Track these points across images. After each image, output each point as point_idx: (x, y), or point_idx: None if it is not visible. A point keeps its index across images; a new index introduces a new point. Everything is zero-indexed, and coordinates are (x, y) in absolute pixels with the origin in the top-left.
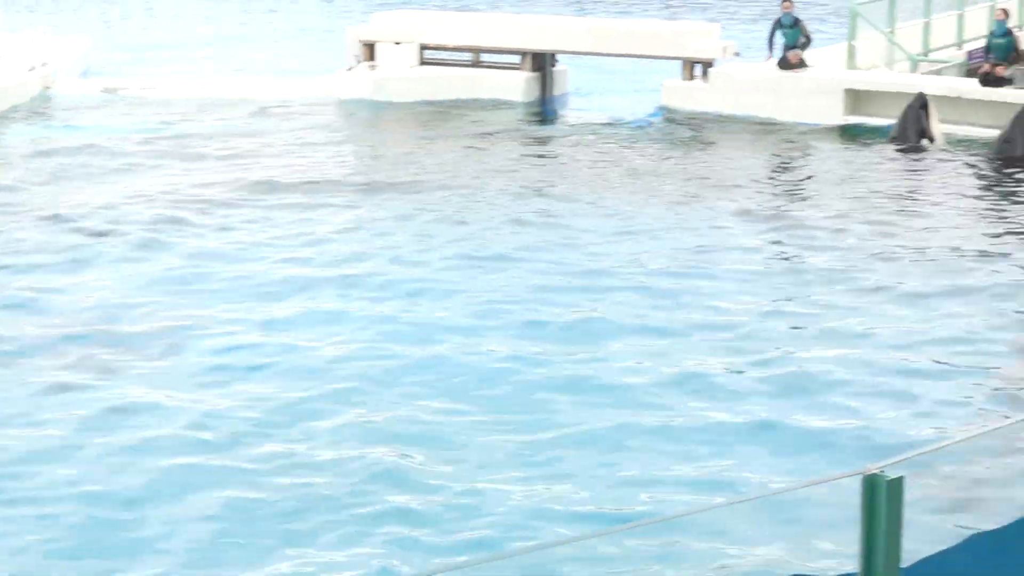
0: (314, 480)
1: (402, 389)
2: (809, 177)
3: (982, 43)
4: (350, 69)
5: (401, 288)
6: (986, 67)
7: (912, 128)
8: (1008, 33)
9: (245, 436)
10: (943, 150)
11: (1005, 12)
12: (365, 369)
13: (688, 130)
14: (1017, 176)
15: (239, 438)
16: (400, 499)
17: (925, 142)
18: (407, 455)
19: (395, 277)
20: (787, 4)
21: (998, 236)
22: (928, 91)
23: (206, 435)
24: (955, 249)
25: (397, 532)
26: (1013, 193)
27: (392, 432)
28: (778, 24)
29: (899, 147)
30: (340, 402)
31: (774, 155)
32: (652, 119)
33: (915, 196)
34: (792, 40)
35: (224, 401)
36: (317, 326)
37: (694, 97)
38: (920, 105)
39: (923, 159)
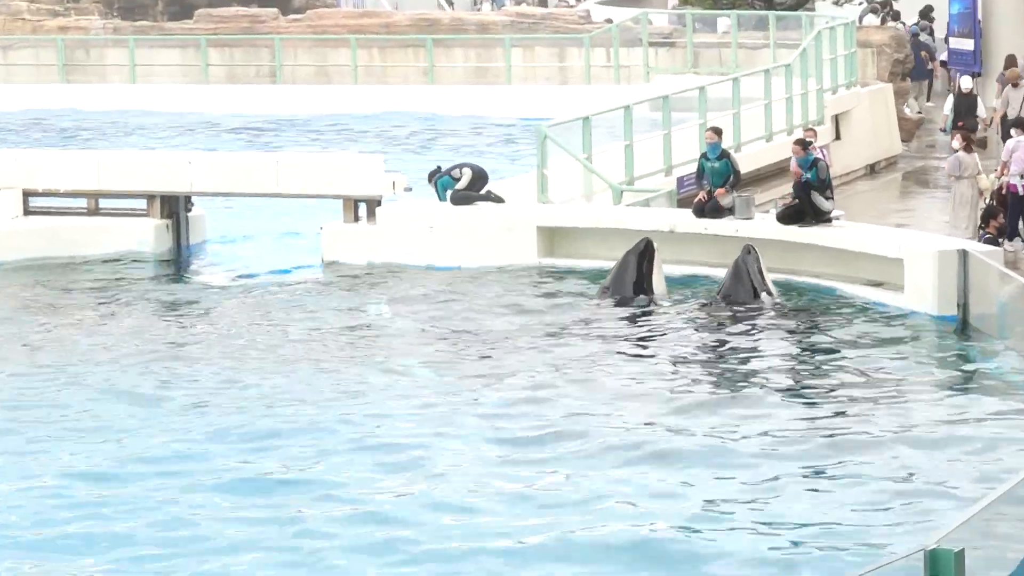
0: None
1: None
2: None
3: (693, 167)
4: None
5: None
6: (701, 195)
7: (630, 279)
8: (723, 155)
9: None
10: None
11: (717, 132)
12: None
13: (351, 285)
14: (741, 330)
15: None
16: None
17: (642, 298)
18: None
19: None
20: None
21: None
22: (635, 225)
23: None
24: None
25: None
26: (736, 349)
27: None
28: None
29: (611, 300)
30: None
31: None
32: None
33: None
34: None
35: None
36: None
37: (361, 243)
38: (641, 252)
39: (637, 311)
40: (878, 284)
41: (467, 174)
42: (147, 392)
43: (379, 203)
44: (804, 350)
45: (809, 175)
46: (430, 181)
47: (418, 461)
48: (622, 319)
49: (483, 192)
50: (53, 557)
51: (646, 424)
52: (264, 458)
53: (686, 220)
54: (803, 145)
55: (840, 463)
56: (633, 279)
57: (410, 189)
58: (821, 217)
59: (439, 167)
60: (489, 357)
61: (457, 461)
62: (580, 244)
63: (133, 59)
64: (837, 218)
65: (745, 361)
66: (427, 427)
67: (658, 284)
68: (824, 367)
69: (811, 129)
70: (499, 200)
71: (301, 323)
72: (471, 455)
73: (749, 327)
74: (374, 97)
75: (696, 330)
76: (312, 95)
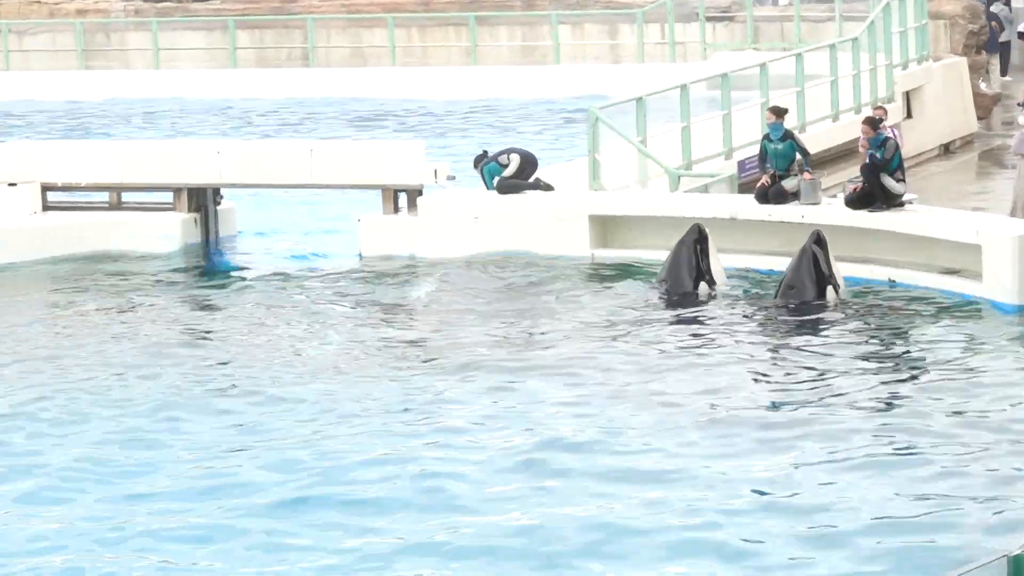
0: None
1: None
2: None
3: (755, 150)
4: None
5: None
6: (764, 180)
7: (686, 270)
8: (787, 136)
9: None
10: (722, 295)
11: (777, 112)
12: None
13: (395, 282)
14: (807, 328)
15: None
16: None
17: (703, 287)
18: None
19: None
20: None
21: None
22: (693, 212)
23: None
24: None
25: None
26: (802, 349)
27: None
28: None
29: (668, 293)
30: None
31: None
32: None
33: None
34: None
35: None
36: None
37: (401, 236)
38: (695, 240)
39: (697, 305)
40: (954, 272)
41: (515, 160)
42: (181, 398)
43: (420, 193)
44: (874, 346)
45: (877, 153)
46: (476, 167)
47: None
48: (677, 314)
49: (532, 180)
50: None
51: (697, 429)
52: (310, 475)
53: (748, 206)
54: (873, 124)
55: (915, 458)
56: (689, 269)
57: (453, 177)
58: (892, 201)
59: (485, 152)
60: (547, 350)
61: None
62: (635, 234)
63: (156, 43)
64: (910, 202)
65: (809, 361)
66: (482, 434)
67: (716, 272)
68: (896, 363)
69: (880, 107)
70: (548, 188)
71: (340, 324)
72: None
73: (814, 322)
74: (413, 80)
75: (758, 326)
76: (347, 78)
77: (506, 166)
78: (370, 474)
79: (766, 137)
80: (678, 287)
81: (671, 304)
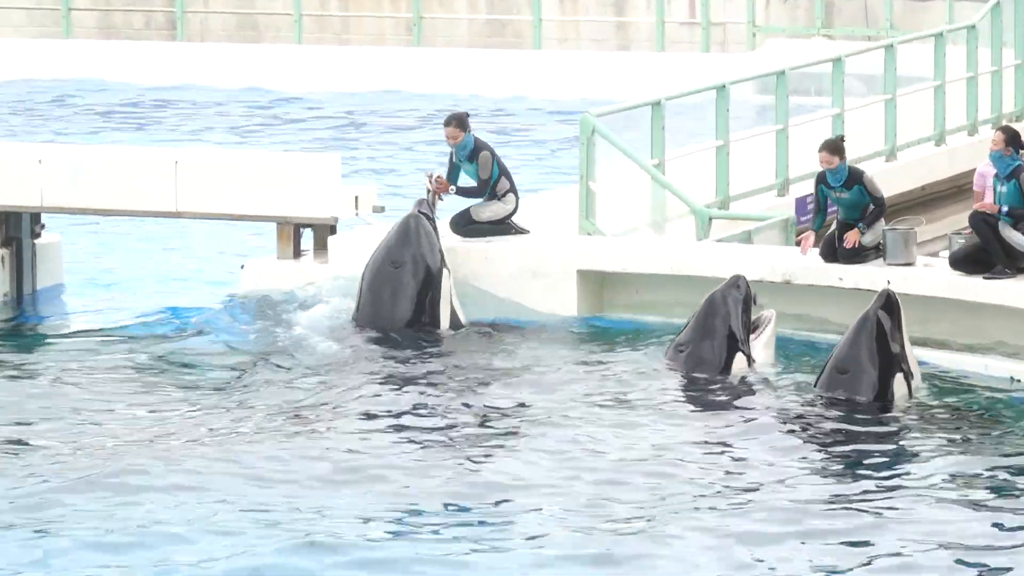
0: None
1: None
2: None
3: (811, 186)
4: None
5: None
6: (807, 242)
7: (720, 334)
8: (854, 179)
9: None
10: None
11: (834, 149)
12: None
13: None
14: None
15: None
16: None
17: (738, 363)
18: None
19: None
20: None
21: None
22: (730, 271)
23: None
24: None
25: None
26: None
27: None
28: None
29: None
30: None
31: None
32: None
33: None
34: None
35: None
36: None
37: (303, 291)
38: (735, 294)
39: (710, 391)
40: None
41: (511, 202)
42: None
43: (333, 230)
44: (955, 471)
45: (1002, 188)
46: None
47: None
48: (696, 401)
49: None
50: None
51: None
52: None
53: (809, 264)
54: (1011, 138)
55: None
56: (724, 334)
57: (382, 209)
58: (1018, 263)
59: (432, 175)
60: (503, 451)
61: None
62: (645, 297)
63: None
64: None
65: (865, 481)
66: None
67: (763, 347)
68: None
69: (1008, 126)
70: (522, 231)
71: (214, 415)
72: None
73: (872, 428)
74: (327, 64)
75: (798, 430)
76: (231, 58)
77: (500, 199)
78: None
79: (822, 180)
80: (701, 356)
81: (677, 387)
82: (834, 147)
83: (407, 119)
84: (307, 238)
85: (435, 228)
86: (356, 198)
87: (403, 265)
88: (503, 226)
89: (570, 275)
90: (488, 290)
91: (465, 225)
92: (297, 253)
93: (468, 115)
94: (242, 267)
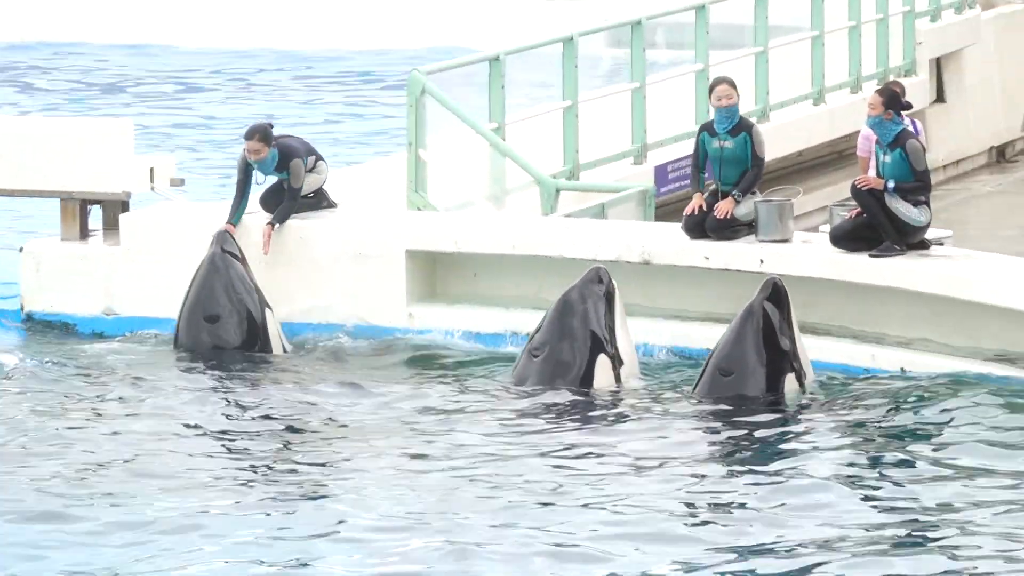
0: None
1: None
2: None
3: (681, 150)
4: None
5: None
6: (698, 200)
7: (579, 335)
8: (741, 127)
9: None
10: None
11: (733, 85)
12: None
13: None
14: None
15: None
16: None
17: (602, 365)
18: None
19: None
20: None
21: None
22: (582, 251)
23: None
24: None
25: None
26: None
27: None
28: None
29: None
30: None
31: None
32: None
33: None
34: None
35: None
36: None
37: (90, 277)
38: (593, 290)
39: (562, 399)
40: (1008, 358)
41: (324, 171)
42: None
43: (125, 207)
44: (857, 473)
45: (886, 158)
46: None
47: None
48: (553, 409)
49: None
50: None
51: None
52: None
53: (671, 242)
54: (891, 99)
55: None
56: (581, 334)
57: (182, 182)
58: (909, 239)
59: (271, 125)
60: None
61: None
62: (484, 281)
63: None
64: (939, 242)
65: (755, 488)
66: None
67: (624, 346)
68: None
69: (895, 82)
70: (332, 204)
71: None
72: None
73: (758, 432)
74: (120, 6)
75: (669, 434)
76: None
77: (310, 171)
78: None
79: (705, 128)
80: (558, 359)
81: (535, 394)
82: (734, 82)
83: (211, 78)
84: (95, 216)
85: (244, 261)
86: (151, 170)
87: (218, 320)
88: (315, 198)
89: (397, 256)
90: (305, 276)
91: (277, 203)
92: (84, 233)
93: (272, 126)
94: (21, 250)
